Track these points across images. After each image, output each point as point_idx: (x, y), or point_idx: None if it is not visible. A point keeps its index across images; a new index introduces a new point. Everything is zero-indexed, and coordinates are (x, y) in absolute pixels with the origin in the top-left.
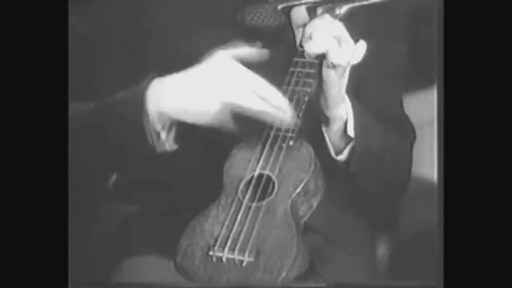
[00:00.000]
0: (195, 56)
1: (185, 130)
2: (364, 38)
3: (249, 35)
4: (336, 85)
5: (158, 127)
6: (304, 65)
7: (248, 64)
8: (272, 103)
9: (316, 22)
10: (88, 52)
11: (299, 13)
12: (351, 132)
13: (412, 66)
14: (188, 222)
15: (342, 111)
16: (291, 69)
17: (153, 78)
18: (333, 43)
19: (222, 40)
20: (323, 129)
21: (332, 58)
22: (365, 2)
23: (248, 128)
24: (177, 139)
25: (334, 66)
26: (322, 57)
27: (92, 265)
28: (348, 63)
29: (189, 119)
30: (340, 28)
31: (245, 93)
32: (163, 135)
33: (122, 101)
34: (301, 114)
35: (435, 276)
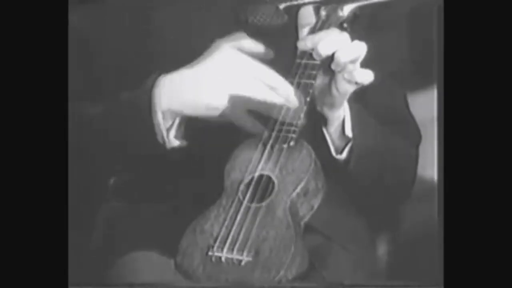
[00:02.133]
0: (198, 54)
1: (185, 131)
2: (365, 38)
3: (252, 34)
4: (349, 94)
5: (167, 124)
6: (310, 57)
7: (252, 55)
8: (280, 92)
9: (323, 32)
10: (88, 51)
11: (307, 12)
12: (348, 132)
13: (413, 66)
14: (189, 223)
15: (340, 111)
16: (297, 60)
17: (158, 75)
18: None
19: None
20: (324, 129)
21: (357, 78)
22: (367, 2)
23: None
24: (186, 135)
25: (356, 83)
26: (331, 59)
27: (92, 265)
28: (358, 82)
29: (198, 114)
30: (346, 38)
31: (253, 83)
32: (172, 132)
33: (129, 100)
34: (305, 107)
35: (435, 276)
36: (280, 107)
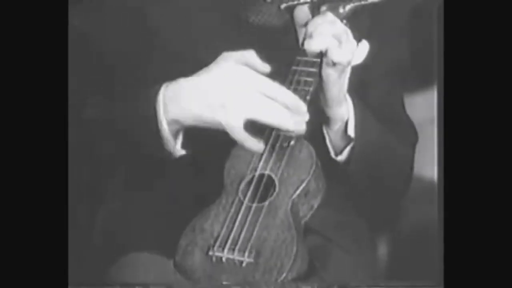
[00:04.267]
0: (200, 56)
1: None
2: (365, 38)
3: (253, 35)
4: (336, 84)
5: (173, 133)
6: (306, 64)
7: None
8: (289, 106)
9: (317, 20)
10: (88, 52)
11: (302, 12)
12: (351, 132)
13: (413, 65)
14: (188, 222)
15: (343, 111)
16: (293, 67)
17: (161, 83)
18: (333, 41)
19: (226, 39)
20: (324, 129)
21: (332, 56)
22: (366, 2)
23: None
24: (184, 145)
25: (333, 64)
26: (322, 55)
27: (92, 265)
28: (349, 62)
29: (202, 125)
30: (341, 27)
31: (261, 101)
32: (179, 141)
33: (132, 108)
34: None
35: (435, 276)
36: (288, 125)
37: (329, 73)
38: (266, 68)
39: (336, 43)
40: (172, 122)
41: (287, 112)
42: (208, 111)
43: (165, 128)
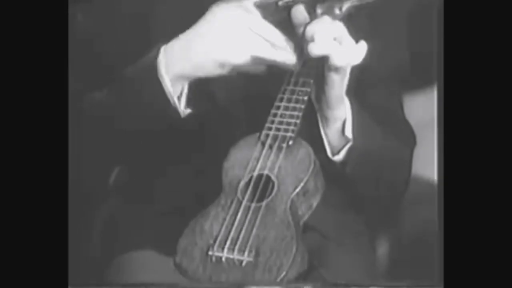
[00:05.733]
0: None
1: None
2: (364, 39)
3: None
4: (338, 86)
5: (177, 92)
6: (303, 64)
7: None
8: (278, 45)
9: (317, 24)
10: (90, 50)
11: (299, 12)
12: (349, 133)
13: (412, 66)
14: (187, 222)
15: (341, 111)
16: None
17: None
18: (334, 45)
19: None
20: (321, 129)
21: (335, 60)
22: (361, 2)
23: (247, 128)
24: (189, 103)
25: (337, 69)
26: (324, 59)
27: (92, 265)
28: (349, 63)
29: (208, 74)
30: (340, 28)
31: (255, 37)
32: (182, 100)
33: (133, 75)
34: (300, 114)
35: (435, 276)
36: (279, 60)
37: (332, 77)
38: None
39: (338, 47)
40: (175, 78)
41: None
42: (213, 56)
43: (168, 85)
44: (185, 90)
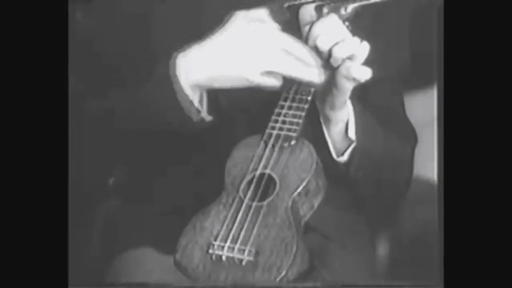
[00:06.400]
0: None
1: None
2: (365, 39)
3: None
4: (347, 92)
5: (195, 99)
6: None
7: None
8: (303, 60)
9: (323, 20)
10: (90, 50)
11: (308, 11)
12: (352, 134)
13: (412, 66)
14: (188, 220)
15: (344, 113)
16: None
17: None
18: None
19: None
20: (325, 130)
21: (352, 72)
22: (368, 2)
23: (249, 127)
24: (210, 109)
25: (354, 80)
26: (329, 54)
27: (92, 265)
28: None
29: (225, 85)
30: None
31: (276, 53)
32: (204, 106)
33: (150, 86)
34: (303, 114)
35: (435, 276)
36: (303, 76)
37: (345, 85)
38: (277, 27)
39: (353, 61)
40: (195, 87)
41: (305, 65)
42: (229, 68)
43: (189, 93)
44: (205, 97)
